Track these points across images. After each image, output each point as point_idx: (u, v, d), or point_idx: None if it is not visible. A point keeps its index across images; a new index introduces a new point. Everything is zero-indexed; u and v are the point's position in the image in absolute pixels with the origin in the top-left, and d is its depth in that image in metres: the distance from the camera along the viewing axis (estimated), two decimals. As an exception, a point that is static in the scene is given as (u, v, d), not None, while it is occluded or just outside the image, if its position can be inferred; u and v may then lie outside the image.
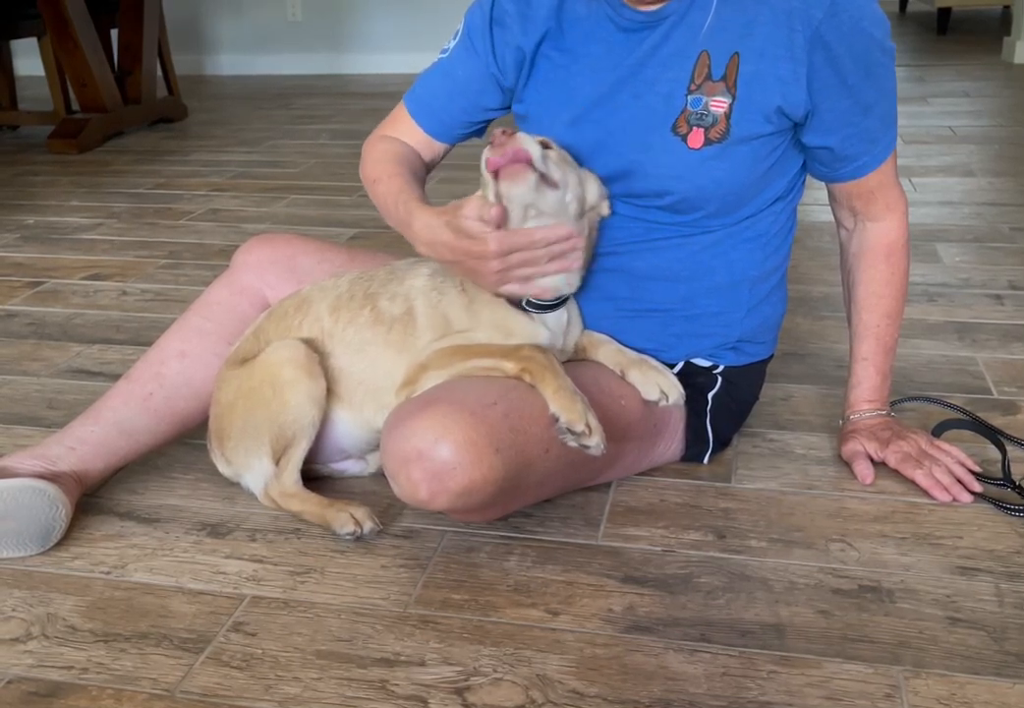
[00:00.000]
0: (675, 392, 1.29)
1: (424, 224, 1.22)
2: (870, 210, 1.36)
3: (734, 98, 1.22)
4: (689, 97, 1.23)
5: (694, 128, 1.23)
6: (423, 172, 1.42)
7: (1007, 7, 5.99)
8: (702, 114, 1.23)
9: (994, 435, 1.45)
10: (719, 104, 1.22)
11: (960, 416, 1.51)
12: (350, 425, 1.33)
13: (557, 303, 1.26)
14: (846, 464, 1.41)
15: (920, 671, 1.03)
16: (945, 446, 1.37)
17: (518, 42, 1.33)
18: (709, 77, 1.22)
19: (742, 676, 1.03)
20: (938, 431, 1.45)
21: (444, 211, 1.21)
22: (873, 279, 1.38)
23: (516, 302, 1.24)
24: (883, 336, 1.40)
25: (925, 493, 1.33)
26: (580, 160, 1.27)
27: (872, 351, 1.40)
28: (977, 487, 1.32)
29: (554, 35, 1.32)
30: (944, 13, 5.81)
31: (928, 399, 1.57)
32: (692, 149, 1.23)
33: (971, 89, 4.27)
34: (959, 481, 1.32)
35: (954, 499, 1.31)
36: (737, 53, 1.21)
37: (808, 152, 1.31)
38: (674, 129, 1.24)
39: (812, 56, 1.19)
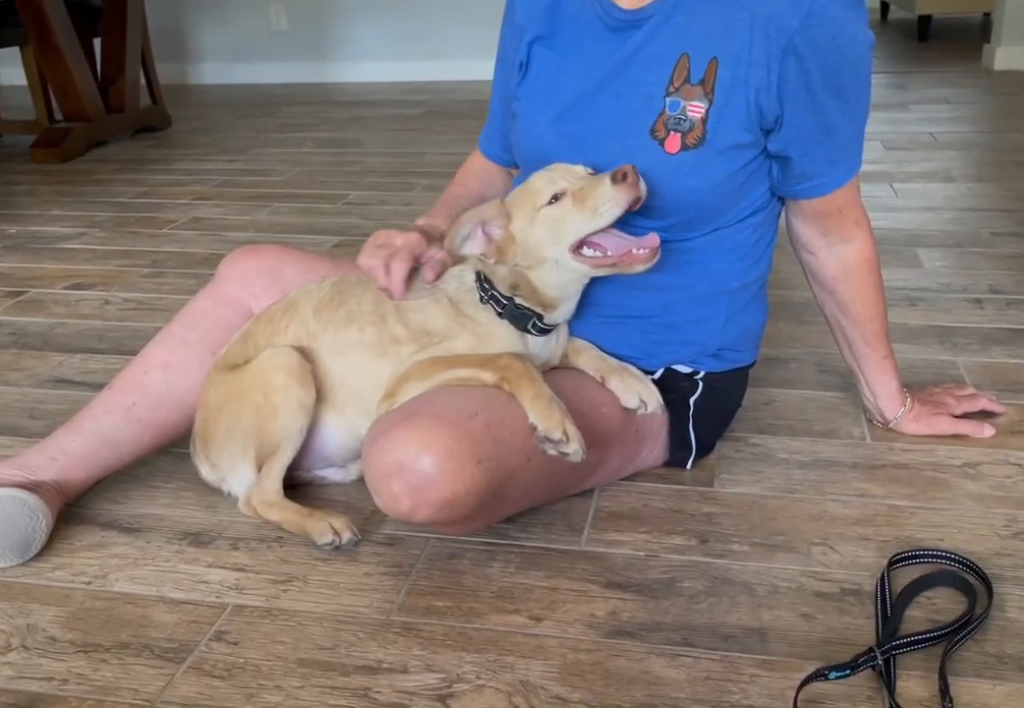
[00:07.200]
0: (654, 401, 1.30)
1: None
2: (842, 228, 1.37)
3: (711, 103, 1.22)
4: (667, 99, 1.23)
5: (671, 132, 1.23)
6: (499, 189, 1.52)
7: (987, 14, 6.04)
8: (680, 118, 1.22)
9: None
10: (696, 109, 1.22)
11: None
12: (333, 429, 1.33)
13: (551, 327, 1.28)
14: (827, 468, 1.42)
15: (901, 673, 1.03)
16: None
17: (520, 56, 1.36)
18: (688, 80, 1.22)
19: (724, 680, 1.03)
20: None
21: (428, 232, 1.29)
22: (869, 294, 1.43)
23: (520, 326, 1.25)
24: (887, 331, 1.48)
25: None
26: (562, 156, 1.28)
27: (888, 347, 1.49)
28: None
29: (547, 35, 1.34)
30: (925, 20, 5.85)
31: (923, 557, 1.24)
32: (669, 154, 1.23)
33: (952, 96, 4.30)
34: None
35: None
36: (716, 58, 1.21)
37: (773, 160, 1.30)
38: (652, 132, 1.24)
39: (784, 64, 1.18)
